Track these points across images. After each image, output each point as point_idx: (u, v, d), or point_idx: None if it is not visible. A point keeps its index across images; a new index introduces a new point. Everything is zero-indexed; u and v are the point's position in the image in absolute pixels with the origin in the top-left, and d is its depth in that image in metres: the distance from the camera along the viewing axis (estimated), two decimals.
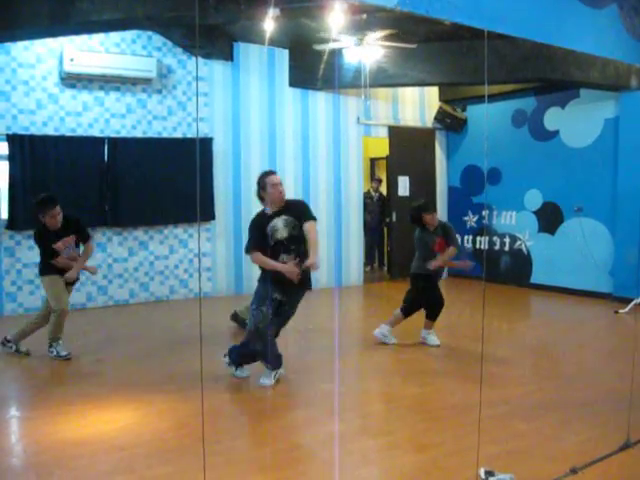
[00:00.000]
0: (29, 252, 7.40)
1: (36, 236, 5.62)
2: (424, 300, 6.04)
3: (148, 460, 3.47)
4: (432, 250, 5.92)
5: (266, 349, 4.74)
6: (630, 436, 3.58)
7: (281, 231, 4.69)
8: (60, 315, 5.49)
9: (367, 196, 10.75)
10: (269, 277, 4.72)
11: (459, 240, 10.23)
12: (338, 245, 9.61)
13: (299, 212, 4.79)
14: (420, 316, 6.06)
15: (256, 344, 4.74)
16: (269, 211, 4.80)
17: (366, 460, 3.54)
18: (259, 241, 4.74)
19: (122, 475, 3.28)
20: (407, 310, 6.06)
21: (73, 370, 5.36)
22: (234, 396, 4.71)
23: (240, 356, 4.93)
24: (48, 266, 5.56)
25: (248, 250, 4.83)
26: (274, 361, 4.83)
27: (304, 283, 4.80)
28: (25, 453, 3.60)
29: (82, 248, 5.77)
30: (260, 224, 4.77)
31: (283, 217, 4.73)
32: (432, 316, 6.04)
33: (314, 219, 4.80)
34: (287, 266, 4.65)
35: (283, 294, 4.73)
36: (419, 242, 6.04)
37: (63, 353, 5.54)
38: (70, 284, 5.72)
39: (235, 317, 6.79)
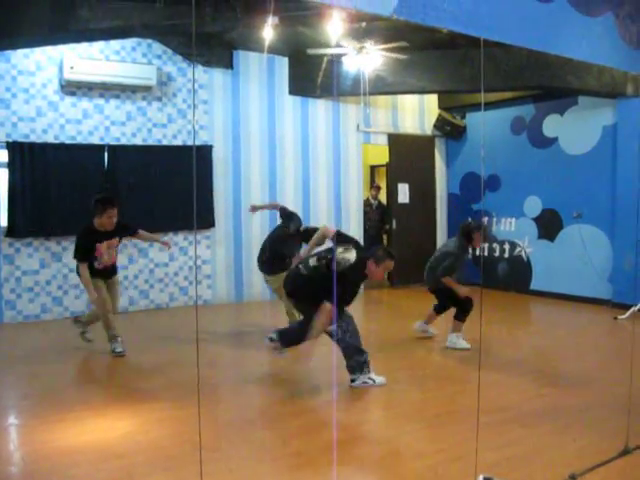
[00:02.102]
0: (28, 260, 7.41)
1: (82, 237, 5.67)
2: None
3: (147, 468, 3.47)
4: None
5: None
6: (629, 442, 3.58)
7: None
8: (105, 319, 5.73)
9: (366, 204, 10.77)
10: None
11: None
12: None
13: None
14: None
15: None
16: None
17: (365, 467, 3.54)
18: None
19: None
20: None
21: (71, 378, 5.36)
22: (233, 403, 4.70)
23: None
24: (90, 269, 5.63)
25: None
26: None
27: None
28: (23, 461, 3.59)
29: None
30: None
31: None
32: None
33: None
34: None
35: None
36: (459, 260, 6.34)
37: (118, 350, 5.79)
38: (109, 278, 5.87)
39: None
